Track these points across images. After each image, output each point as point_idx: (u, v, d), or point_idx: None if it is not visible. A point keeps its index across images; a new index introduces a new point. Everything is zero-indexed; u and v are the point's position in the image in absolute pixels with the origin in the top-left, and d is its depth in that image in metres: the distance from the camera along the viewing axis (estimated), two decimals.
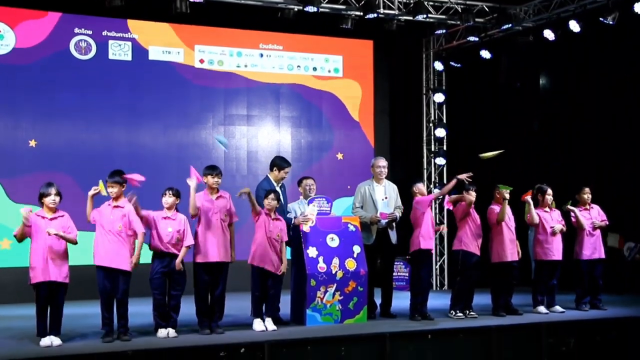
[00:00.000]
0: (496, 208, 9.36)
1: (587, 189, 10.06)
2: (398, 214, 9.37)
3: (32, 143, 11.64)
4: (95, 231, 7.70)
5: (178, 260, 7.88)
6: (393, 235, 9.41)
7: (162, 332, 7.82)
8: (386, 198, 9.33)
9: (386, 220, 9.20)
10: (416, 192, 9.19)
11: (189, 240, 7.98)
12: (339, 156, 13.63)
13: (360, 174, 12.74)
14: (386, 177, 9.57)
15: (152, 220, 7.91)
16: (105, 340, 7.48)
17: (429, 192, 12.51)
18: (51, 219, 7.45)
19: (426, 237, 9.04)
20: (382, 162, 9.48)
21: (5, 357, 6.69)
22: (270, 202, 8.33)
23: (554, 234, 9.59)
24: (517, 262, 9.40)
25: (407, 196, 9.33)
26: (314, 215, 8.72)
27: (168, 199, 7.99)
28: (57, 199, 7.47)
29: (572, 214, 9.79)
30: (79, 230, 7.69)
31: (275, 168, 9.00)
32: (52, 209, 7.46)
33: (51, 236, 7.34)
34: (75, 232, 7.58)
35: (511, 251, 9.32)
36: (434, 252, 9.50)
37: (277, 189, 8.83)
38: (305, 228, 8.67)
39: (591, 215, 10.01)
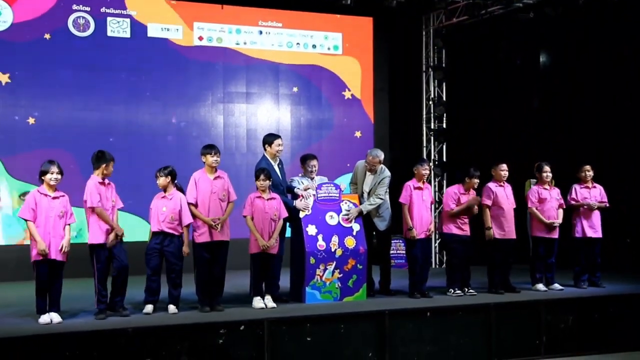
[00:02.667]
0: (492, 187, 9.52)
1: (586, 167, 10.04)
2: (363, 209, 9.00)
3: (31, 120, 11.59)
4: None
5: (185, 245, 7.98)
6: (381, 223, 9.31)
7: (147, 308, 7.89)
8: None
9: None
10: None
11: (186, 220, 8.02)
12: (339, 134, 13.59)
13: (359, 151, 12.75)
14: (384, 158, 9.43)
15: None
16: (99, 317, 7.53)
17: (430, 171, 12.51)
18: (53, 198, 7.45)
19: None
20: (373, 159, 9.19)
21: (6, 334, 6.71)
22: (262, 182, 8.32)
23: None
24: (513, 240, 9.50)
25: (409, 174, 9.33)
26: (310, 205, 8.73)
27: (159, 181, 8.05)
28: (59, 177, 7.49)
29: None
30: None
31: (266, 145, 8.95)
32: (53, 186, 7.46)
33: (54, 215, 7.39)
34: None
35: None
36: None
37: (275, 167, 8.82)
38: (301, 215, 8.69)
39: (591, 195, 10.00)
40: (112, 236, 7.67)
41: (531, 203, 9.73)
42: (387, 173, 9.31)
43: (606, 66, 12.11)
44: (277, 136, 9.04)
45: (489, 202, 9.41)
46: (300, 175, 9.19)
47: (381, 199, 9.17)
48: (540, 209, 9.70)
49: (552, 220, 9.62)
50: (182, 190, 8.20)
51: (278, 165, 8.96)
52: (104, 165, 7.72)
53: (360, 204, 9.10)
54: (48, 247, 7.31)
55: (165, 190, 8.04)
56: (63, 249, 7.37)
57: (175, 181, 8.17)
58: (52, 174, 7.43)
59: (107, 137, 11.76)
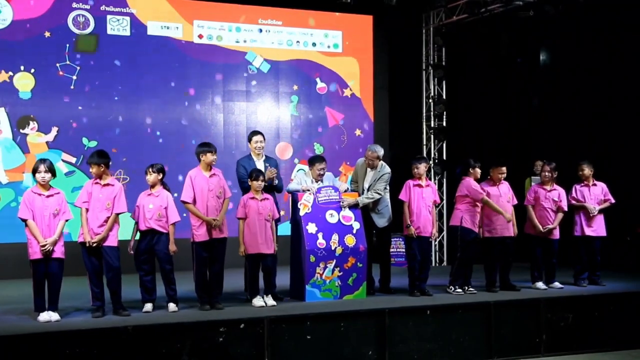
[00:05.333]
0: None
1: (582, 165, 10.00)
2: (360, 201, 9.00)
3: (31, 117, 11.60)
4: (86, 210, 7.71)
5: (171, 243, 7.95)
6: (379, 219, 9.31)
7: (147, 307, 7.91)
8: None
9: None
10: None
11: (173, 217, 8.02)
12: (339, 132, 13.58)
13: (359, 149, 12.76)
14: (384, 156, 9.43)
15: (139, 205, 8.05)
16: (94, 316, 7.53)
17: (429, 170, 12.50)
18: (47, 196, 7.44)
19: None
20: (372, 154, 9.20)
21: (5, 332, 6.70)
22: (260, 183, 8.31)
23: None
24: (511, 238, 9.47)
25: (408, 173, 9.31)
26: (310, 202, 8.72)
27: (149, 177, 8.05)
28: (47, 175, 7.43)
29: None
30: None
31: (248, 143, 9.02)
32: (43, 185, 7.44)
33: (48, 214, 7.38)
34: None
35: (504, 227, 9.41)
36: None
37: (260, 163, 8.79)
38: (302, 213, 8.67)
39: (591, 193, 9.98)
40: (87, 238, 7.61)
41: (527, 201, 9.74)
42: (387, 170, 9.29)
43: (606, 64, 12.10)
44: (255, 133, 9.03)
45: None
46: (305, 173, 9.15)
47: (379, 194, 9.15)
48: (533, 208, 9.71)
49: (542, 227, 9.60)
50: (168, 189, 8.21)
51: (264, 161, 8.92)
52: (93, 167, 7.72)
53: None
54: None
55: (152, 187, 8.06)
56: (47, 247, 7.30)
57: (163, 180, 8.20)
58: (39, 172, 7.41)
59: (105, 135, 11.77)
